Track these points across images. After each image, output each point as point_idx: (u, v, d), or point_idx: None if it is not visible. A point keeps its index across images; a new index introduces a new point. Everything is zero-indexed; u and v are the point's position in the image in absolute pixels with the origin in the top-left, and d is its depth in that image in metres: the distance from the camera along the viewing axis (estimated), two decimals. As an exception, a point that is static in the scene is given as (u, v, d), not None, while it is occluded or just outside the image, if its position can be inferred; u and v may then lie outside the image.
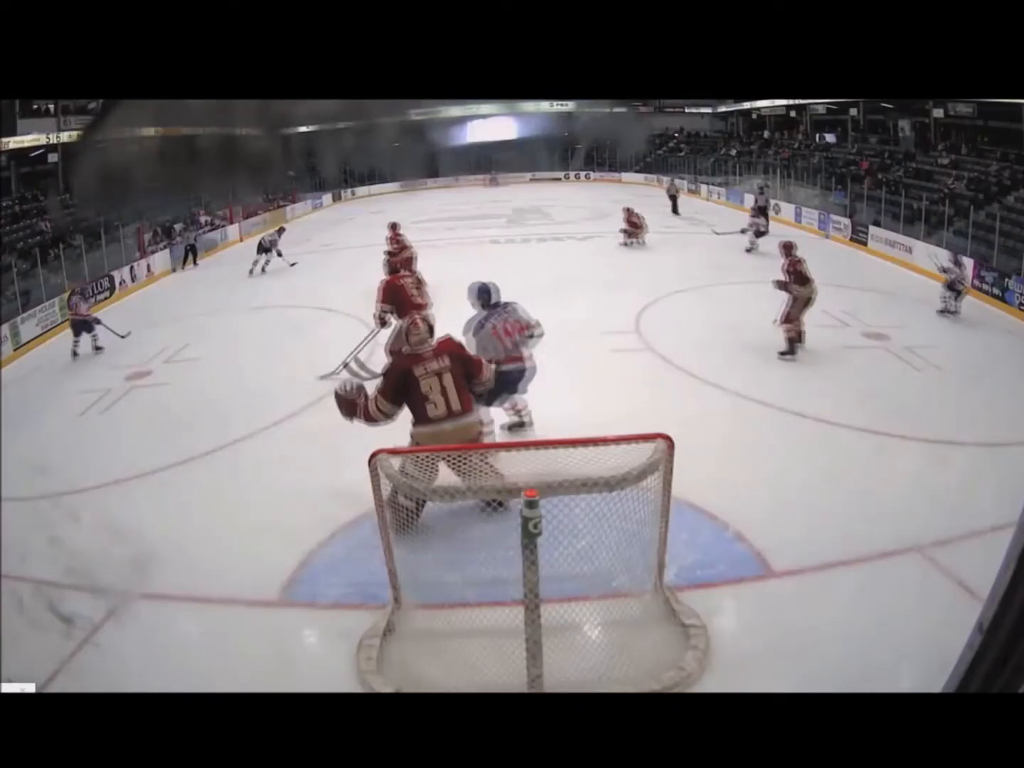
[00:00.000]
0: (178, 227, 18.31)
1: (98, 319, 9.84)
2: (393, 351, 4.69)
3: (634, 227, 15.19)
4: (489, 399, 5.25)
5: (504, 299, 5.61)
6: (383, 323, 6.86)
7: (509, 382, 5.42)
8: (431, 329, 4.72)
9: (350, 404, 4.57)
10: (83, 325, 9.57)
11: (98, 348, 9.54)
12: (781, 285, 8.13)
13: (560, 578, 3.54)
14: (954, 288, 9.76)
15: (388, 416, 4.47)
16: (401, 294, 6.93)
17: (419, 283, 7.25)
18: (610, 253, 14.24)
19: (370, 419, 4.50)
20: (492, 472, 3.72)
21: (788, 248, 8.33)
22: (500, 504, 3.68)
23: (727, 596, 4.04)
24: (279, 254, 14.51)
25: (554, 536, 3.25)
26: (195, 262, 16.94)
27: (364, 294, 9.83)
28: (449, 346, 4.59)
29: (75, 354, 9.50)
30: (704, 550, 4.32)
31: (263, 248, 14.45)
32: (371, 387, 4.65)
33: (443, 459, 3.85)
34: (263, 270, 14.36)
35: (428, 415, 4.37)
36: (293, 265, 14.44)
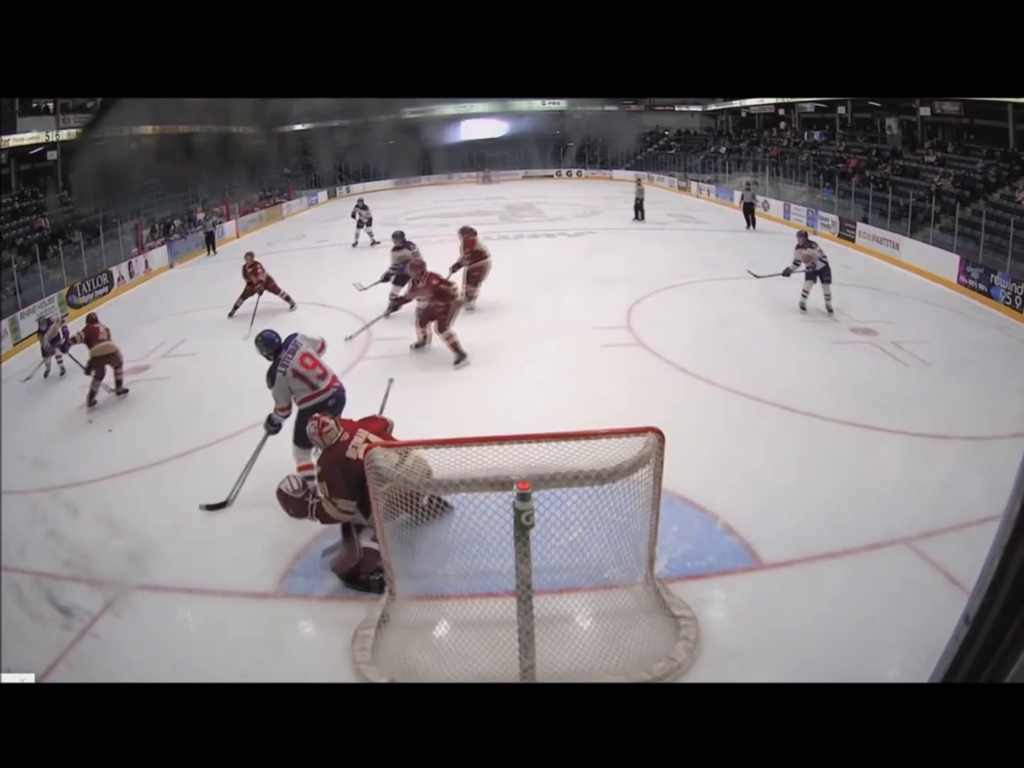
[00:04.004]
0: (176, 223, 18.30)
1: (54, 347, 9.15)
2: (321, 461, 4.29)
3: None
4: (302, 439, 4.97)
5: (289, 333, 5.43)
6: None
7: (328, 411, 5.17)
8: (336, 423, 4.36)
9: (298, 504, 4.23)
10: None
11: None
12: (420, 312, 8.07)
13: (552, 570, 3.59)
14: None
15: (351, 513, 4.08)
16: (94, 336, 7.95)
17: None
18: (601, 249, 14.25)
19: (327, 520, 4.17)
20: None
21: (418, 267, 8.04)
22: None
23: (717, 587, 4.08)
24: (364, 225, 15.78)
25: (546, 528, 3.29)
26: (214, 250, 17.08)
27: (357, 289, 9.86)
28: (353, 424, 4.41)
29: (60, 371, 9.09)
30: (694, 542, 4.37)
31: (360, 223, 15.78)
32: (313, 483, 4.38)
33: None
34: (373, 243, 15.39)
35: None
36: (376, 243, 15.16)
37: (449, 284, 8.05)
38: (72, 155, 18.56)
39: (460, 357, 7.76)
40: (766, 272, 9.34)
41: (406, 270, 9.02)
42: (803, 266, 9.41)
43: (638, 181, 19.81)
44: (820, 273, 9.29)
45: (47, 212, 16.99)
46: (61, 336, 8.96)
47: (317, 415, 4.40)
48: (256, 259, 10.94)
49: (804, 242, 9.58)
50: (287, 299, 10.80)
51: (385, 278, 9.97)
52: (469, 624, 3.65)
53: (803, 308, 9.45)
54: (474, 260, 9.78)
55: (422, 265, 8.12)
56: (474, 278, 9.89)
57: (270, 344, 5.28)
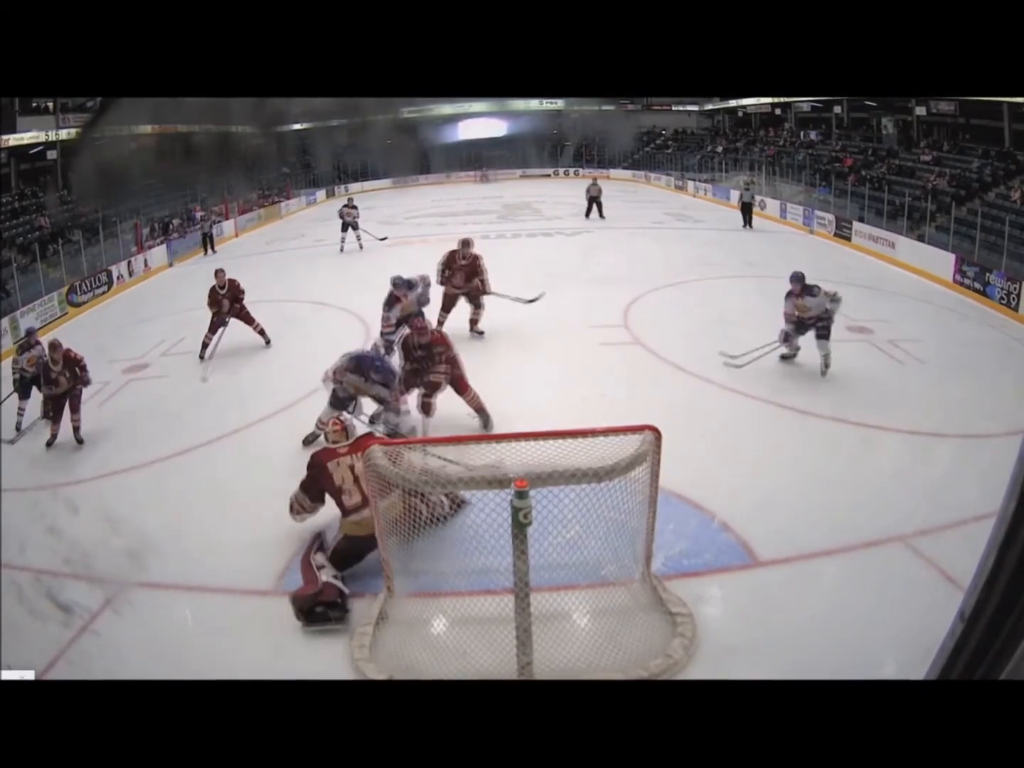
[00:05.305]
0: (175, 222, 18.30)
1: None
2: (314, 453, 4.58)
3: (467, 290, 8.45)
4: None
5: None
6: None
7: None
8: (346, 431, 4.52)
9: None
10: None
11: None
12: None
13: (549, 567, 3.61)
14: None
15: (305, 510, 4.43)
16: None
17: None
18: (598, 248, 14.25)
19: (296, 511, 4.47)
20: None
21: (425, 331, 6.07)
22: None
23: (713, 585, 4.09)
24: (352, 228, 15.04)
25: (544, 526, 3.31)
26: (213, 249, 17.08)
27: (356, 288, 9.85)
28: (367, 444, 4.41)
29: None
30: (691, 539, 4.38)
31: (346, 226, 14.99)
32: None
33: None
34: (361, 247, 14.98)
35: (344, 505, 4.20)
36: (383, 239, 14.92)
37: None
38: (72, 154, 18.59)
39: (488, 419, 6.13)
40: (744, 350, 7.14)
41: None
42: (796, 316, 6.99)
43: (595, 179, 19.91)
44: (815, 325, 6.96)
45: (47, 211, 17.00)
46: (40, 370, 6.54)
47: (339, 420, 4.62)
48: (230, 276, 8.70)
49: (800, 289, 6.88)
50: (262, 333, 8.86)
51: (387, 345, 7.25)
52: (467, 621, 3.66)
53: (790, 357, 7.33)
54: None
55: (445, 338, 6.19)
56: (475, 298, 8.49)
57: (382, 368, 5.69)
